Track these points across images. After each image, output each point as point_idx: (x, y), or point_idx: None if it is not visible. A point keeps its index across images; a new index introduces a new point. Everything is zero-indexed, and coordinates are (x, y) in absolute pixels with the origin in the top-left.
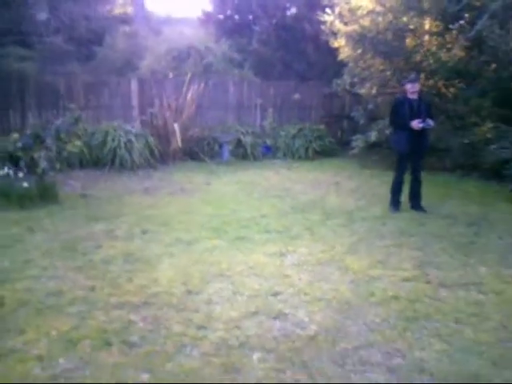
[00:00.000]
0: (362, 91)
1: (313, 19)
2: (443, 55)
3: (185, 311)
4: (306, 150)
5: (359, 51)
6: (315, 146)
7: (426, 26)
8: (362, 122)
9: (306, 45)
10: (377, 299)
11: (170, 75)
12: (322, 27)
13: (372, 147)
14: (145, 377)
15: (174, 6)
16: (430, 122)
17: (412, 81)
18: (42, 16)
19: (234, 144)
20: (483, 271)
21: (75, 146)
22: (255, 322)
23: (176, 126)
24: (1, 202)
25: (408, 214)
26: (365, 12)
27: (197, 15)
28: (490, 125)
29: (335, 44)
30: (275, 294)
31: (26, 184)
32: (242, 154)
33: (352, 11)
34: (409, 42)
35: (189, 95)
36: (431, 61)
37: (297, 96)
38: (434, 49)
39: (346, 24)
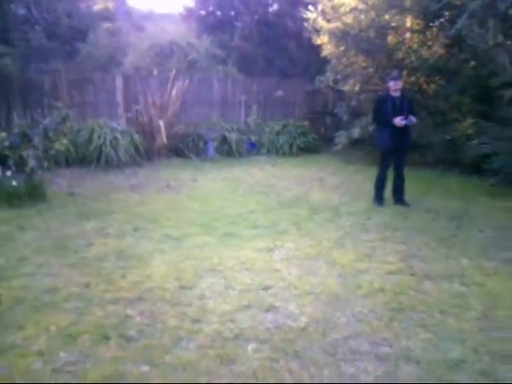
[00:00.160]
0: (345, 88)
1: (295, 16)
2: (424, 52)
3: (179, 306)
4: (290, 146)
5: (342, 48)
6: (299, 143)
7: (408, 24)
8: (345, 118)
9: (288, 41)
10: (364, 292)
11: (155, 72)
12: (305, 24)
13: (355, 143)
14: (145, 369)
15: (156, 2)
16: (413, 119)
17: (394, 78)
18: (22, 11)
19: (219, 141)
20: (465, 264)
21: (62, 144)
22: (248, 315)
23: (161, 123)
24: None
25: (392, 208)
26: (347, 9)
27: (179, 11)
28: (470, 121)
29: (318, 41)
30: (266, 288)
31: (14, 183)
32: (227, 151)
33: (335, 8)
34: (391, 39)
35: (173, 92)
36: (413, 58)
37: (280, 93)
38: (415, 46)
39: (328, 21)
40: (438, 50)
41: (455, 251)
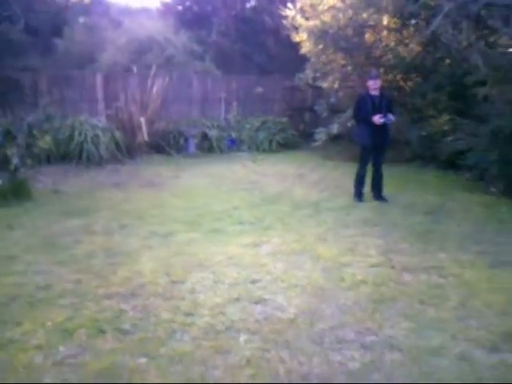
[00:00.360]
0: (324, 85)
1: (273, 12)
2: (401, 50)
3: (171, 300)
4: (270, 142)
5: (320, 46)
6: (279, 139)
7: (385, 22)
8: (324, 114)
9: (266, 37)
10: (347, 284)
11: (135, 69)
12: (284, 22)
13: (334, 139)
14: (142, 361)
15: None
16: (391, 117)
17: (373, 77)
18: None
19: (199, 137)
20: (442, 257)
21: (46, 142)
22: (238, 308)
23: (142, 120)
24: None
25: (371, 204)
26: (326, 8)
27: (156, 6)
28: (446, 117)
29: (297, 38)
30: (254, 282)
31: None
32: (208, 147)
33: (313, 6)
34: (368, 37)
35: (154, 89)
36: (390, 56)
37: (259, 89)
38: (392, 44)
39: (307, 19)
40: (414, 47)
41: (433, 245)
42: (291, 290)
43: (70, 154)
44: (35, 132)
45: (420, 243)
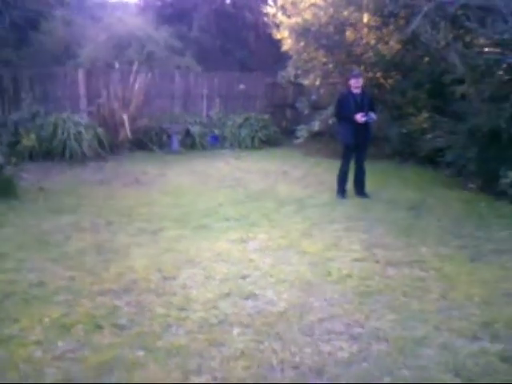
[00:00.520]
0: (306, 82)
1: (253, 8)
2: (381, 47)
3: (164, 295)
4: (252, 139)
5: (302, 44)
6: (261, 136)
7: (365, 20)
8: (305, 112)
9: (247, 33)
10: (333, 278)
11: (116, 65)
12: (265, 19)
13: (315, 136)
14: (140, 354)
15: None
16: (373, 116)
17: (356, 76)
18: None
19: (182, 134)
20: (424, 251)
21: (30, 139)
22: (230, 302)
23: (125, 117)
24: None
25: (354, 200)
26: (307, 5)
27: (134, 1)
28: (425, 115)
29: (278, 36)
30: (244, 277)
31: None
32: (191, 144)
33: (294, 4)
34: (349, 35)
35: (136, 85)
36: (371, 54)
37: (242, 86)
38: (372, 42)
39: (288, 16)
40: (394, 45)
41: (414, 239)
42: (280, 285)
43: (52, 151)
44: (21, 130)
45: (402, 238)
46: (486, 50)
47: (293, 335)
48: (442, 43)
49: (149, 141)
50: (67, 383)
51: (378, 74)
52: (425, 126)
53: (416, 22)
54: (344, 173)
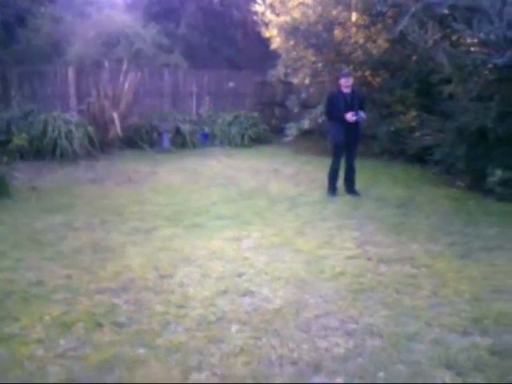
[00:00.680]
0: (295, 81)
1: (241, 6)
2: (369, 46)
3: (162, 293)
4: (242, 137)
5: (291, 42)
6: (251, 133)
7: (353, 19)
8: (295, 110)
9: (235, 31)
10: (327, 275)
11: (106, 63)
12: (254, 17)
13: (305, 134)
14: (141, 351)
15: None
16: (362, 115)
17: (346, 75)
18: None
19: (172, 132)
20: (415, 248)
21: (22, 138)
22: (227, 300)
23: (115, 115)
24: None
25: (344, 198)
26: (295, 4)
27: None
28: (413, 113)
29: (267, 34)
30: (240, 275)
31: None
32: (181, 142)
33: (283, 2)
34: (337, 33)
35: (126, 84)
36: (360, 53)
37: (232, 84)
38: (361, 41)
39: (277, 15)
40: (382, 44)
41: (405, 237)
42: (275, 282)
43: (43, 150)
44: (13, 129)
45: (393, 235)
46: (473, 49)
47: (290, 331)
48: (430, 43)
49: (139, 139)
50: (69, 383)
51: (367, 73)
52: (413, 124)
53: (404, 22)
54: (335, 171)
